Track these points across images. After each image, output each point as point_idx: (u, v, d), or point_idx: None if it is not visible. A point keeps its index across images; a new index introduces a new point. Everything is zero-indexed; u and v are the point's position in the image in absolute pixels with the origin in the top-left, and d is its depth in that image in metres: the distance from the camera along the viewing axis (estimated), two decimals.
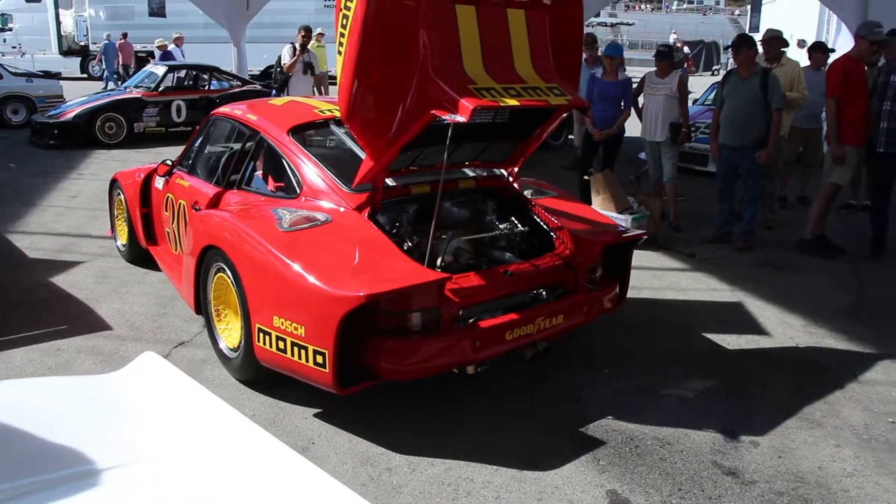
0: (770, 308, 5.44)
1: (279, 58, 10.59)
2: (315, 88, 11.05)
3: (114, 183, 6.24)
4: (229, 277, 3.90)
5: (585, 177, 7.30)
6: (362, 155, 3.92)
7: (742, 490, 3.22)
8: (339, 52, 3.48)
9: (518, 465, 3.33)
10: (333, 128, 4.63)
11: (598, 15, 33.79)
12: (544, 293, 4.01)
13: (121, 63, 21.70)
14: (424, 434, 3.58)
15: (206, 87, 13.33)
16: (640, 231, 4.94)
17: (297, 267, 3.44)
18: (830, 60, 7.91)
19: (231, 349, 4.05)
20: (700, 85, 15.32)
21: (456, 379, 3.79)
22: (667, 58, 7.56)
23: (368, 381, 3.51)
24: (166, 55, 16.79)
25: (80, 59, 27.02)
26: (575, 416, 3.81)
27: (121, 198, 6.06)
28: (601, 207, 6.48)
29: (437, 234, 3.89)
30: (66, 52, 27.12)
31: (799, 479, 3.31)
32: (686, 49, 32.49)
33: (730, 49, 7.22)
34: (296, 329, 3.40)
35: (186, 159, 5.39)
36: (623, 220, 6.22)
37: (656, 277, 6.08)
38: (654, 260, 6.57)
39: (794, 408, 3.94)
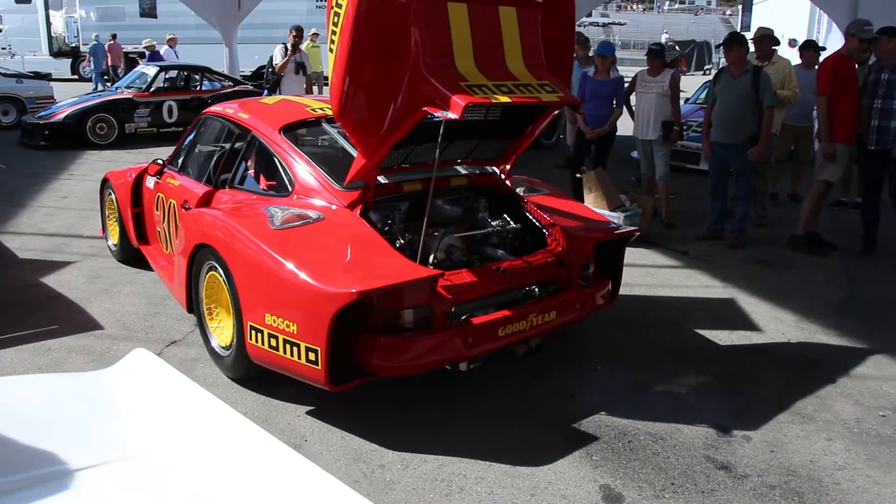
0: (762, 304, 5.46)
1: (271, 58, 10.58)
2: (307, 88, 11.03)
3: (105, 183, 6.22)
4: (221, 276, 3.89)
5: (578, 175, 7.31)
6: (354, 153, 3.92)
7: (735, 484, 3.23)
8: (331, 50, 3.48)
9: (511, 460, 3.33)
10: (325, 126, 4.62)
11: (589, 15, 33.91)
12: (537, 290, 4.01)
13: (109, 64, 21.58)
14: (417, 430, 3.58)
15: (198, 88, 13.28)
16: (633, 228, 4.96)
17: (289, 264, 3.44)
18: (821, 59, 7.94)
19: (223, 347, 4.04)
20: (692, 84, 15.37)
21: (448, 376, 3.79)
22: (659, 56, 7.58)
23: (361, 378, 3.51)
24: (154, 55, 16.73)
25: (70, 60, 26.86)
26: (568, 411, 3.82)
27: (112, 197, 6.04)
28: (593, 205, 6.50)
29: (430, 232, 3.90)
30: (57, 53, 26.94)
31: (791, 473, 3.33)
32: (676, 48, 32.55)
33: (721, 47, 7.24)
34: (288, 326, 3.39)
35: (177, 158, 5.37)
36: (615, 218, 6.24)
37: (649, 275, 6.09)
38: (647, 257, 6.58)
39: (786, 402, 3.96)
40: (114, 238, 6.15)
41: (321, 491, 1.60)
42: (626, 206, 6.89)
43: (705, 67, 38.40)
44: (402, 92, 3.52)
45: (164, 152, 5.65)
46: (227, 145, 4.82)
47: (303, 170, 4.16)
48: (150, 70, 13.14)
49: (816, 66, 7.65)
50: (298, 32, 10.39)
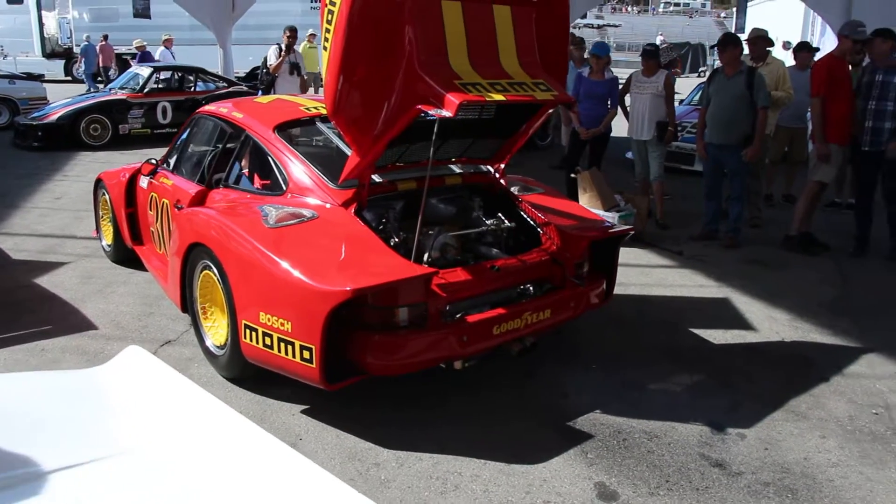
0: (756, 304, 5.47)
1: (265, 59, 10.56)
2: (302, 89, 11.01)
3: (98, 183, 6.20)
4: (215, 275, 3.88)
5: (572, 175, 7.32)
6: (348, 151, 3.92)
7: (729, 481, 3.24)
8: (325, 48, 3.49)
9: (506, 458, 3.33)
10: (319, 125, 4.62)
11: (584, 16, 33.91)
12: (531, 288, 4.02)
13: (101, 65, 21.49)
14: (412, 429, 3.58)
15: (192, 89, 13.25)
16: (627, 227, 4.97)
17: (283, 263, 3.43)
18: (815, 60, 7.97)
19: (218, 347, 4.03)
20: (686, 86, 15.39)
21: (443, 374, 3.79)
22: (653, 57, 7.59)
23: (356, 376, 3.50)
24: (145, 56, 16.68)
25: (63, 61, 26.76)
26: (562, 410, 3.82)
27: (106, 198, 6.02)
28: (588, 205, 6.50)
29: (424, 230, 3.89)
30: (50, 54, 26.82)
31: (785, 470, 3.33)
32: (673, 51, 32.59)
33: (716, 48, 7.26)
34: (282, 325, 3.39)
35: (171, 158, 5.36)
36: (610, 218, 6.24)
37: (643, 274, 6.11)
38: (642, 257, 6.59)
39: (780, 401, 3.97)
40: (108, 238, 6.13)
41: (316, 486, 1.60)
42: (620, 206, 6.90)
43: (700, 69, 38.49)
44: (397, 90, 3.52)
45: (159, 153, 5.64)
46: (221, 145, 4.81)
47: (297, 169, 4.16)
48: (144, 71, 13.10)
49: (810, 68, 7.68)
50: (292, 33, 10.37)
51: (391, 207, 4.13)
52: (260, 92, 10.72)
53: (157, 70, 13.16)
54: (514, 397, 3.95)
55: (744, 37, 7.99)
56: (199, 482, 1.62)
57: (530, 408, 3.85)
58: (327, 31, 3.42)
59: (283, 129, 4.48)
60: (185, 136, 5.42)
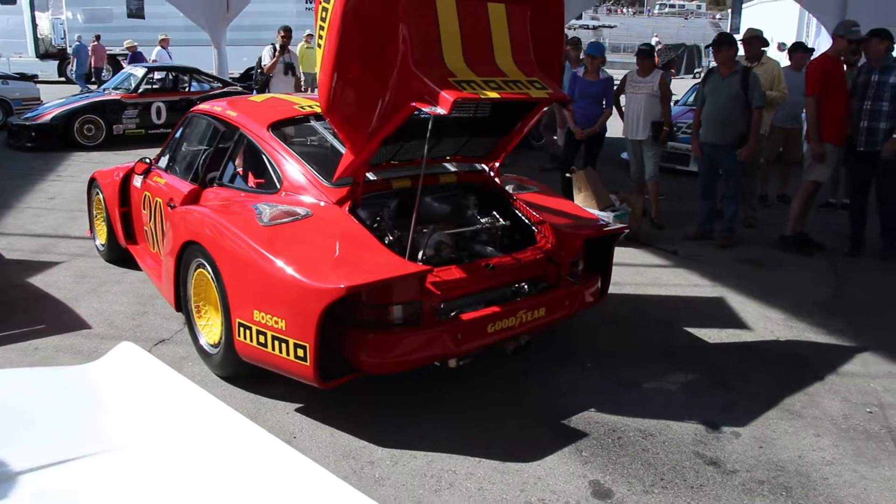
0: (751, 303, 5.48)
1: (259, 59, 10.54)
2: (297, 89, 11.00)
3: (92, 182, 6.18)
4: (209, 273, 3.87)
5: (567, 174, 7.32)
6: (343, 150, 3.91)
7: (723, 479, 3.24)
8: (319, 45, 3.48)
9: (501, 456, 3.32)
10: (314, 123, 4.61)
11: (579, 17, 34.00)
12: (526, 287, 4.01)
13: (93, 66, 21.38)
14: (406, 427, 3.57)
15: (187, 89, 13.20)
16: (622, 225, 4.97)
17: (277, 261, 3.42)
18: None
19: (212, 345, 4.02)
20: (681, 87, 15.42)
21: (438, 372, 3.78)
22: (648, 57, 7.60)
23: (350, 374, 3.49)
24: (136, 57, 16.63)
25: (57, 62, 26.65)
26: (557, 408, 3.82)
27: (99, 197, 6.00)
28: (583, 205, 6.50)
29: (419, 229, 3.89)
30: (44, 55, 26.71)
31: (779, 468, 3.33)
32: (672, 51, 32.60)
33: (711, 48, 7.27)
34: (276, 323, 3.37)
35: (165, 157, 5.35)
36: (605, 217, 6.24)
37: (638, 274, 6.11)
38: (637, 257, 6.59)
39: (774, 399, 3.97)
40: (101, 238, 6.10)
41: (310, 481, 1.59)
42: (615, 206, 6.90)
43: (695, 71, 38.53)
44: (391, 87, 3.51)
45: (153, 154, 5.62)
46: (215, 143, 4.80)
47: (291, 167, 4.15)
48: (138, 71, 13.06)
49: (805, 68, 7.69)
50: (287, 33, 10.34)
51: (386, 205, 4.12)
52: (255, 92, 10.70)
53: (151, 70, 13.13)
54: (508, 395, 3.95)
55: (739, 37, 8.00)
56: (192, 477, 1.62)
57: (525, 406, 3.84)
58: (321, 28, 3.41)
59: (277, 127, 4.46)
60: (178, 134, 5.40)
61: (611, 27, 51.79)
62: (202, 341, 4.10)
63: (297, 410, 3.71)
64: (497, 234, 4.35)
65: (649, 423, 3.68)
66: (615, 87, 7.91)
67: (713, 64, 7.21)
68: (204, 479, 1.61)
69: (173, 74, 13.33)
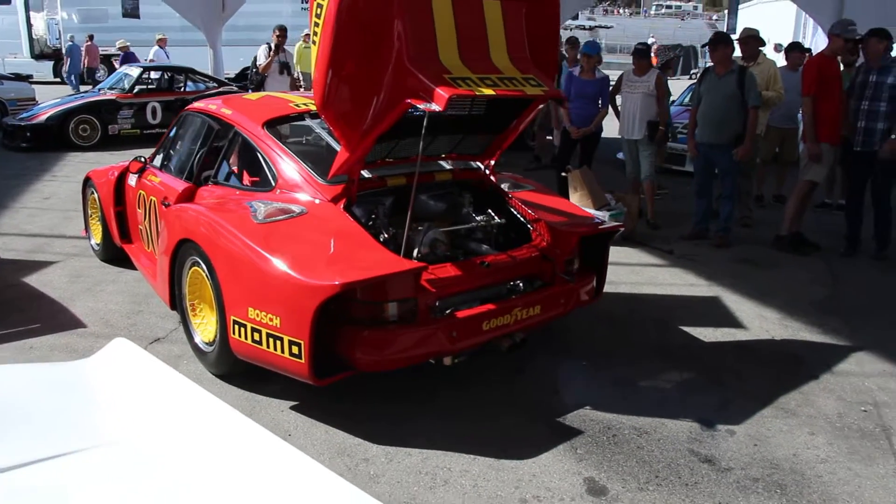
0: (746, 302, 5.48)
1: (255, 58, 10.53)
2: (292, 89, 10.99)
3: (87, 181, 6.16)
4: (204, 271, 3.86)
5: (563, 173, 7.32)
6: (338, 147, 3.90)
7: (718, 477, 3.24)
8: (314, 42, 3.48)
9: (495, 453, 3.32)
10: (309, 121, 4.60)
11: (576, 17, 34.01)
12: (521, 284, 4.01)
13: (87, 66, 21.30)
14: (401, 424, 3.57)
15: (182, 89, 13.19)
16: (617, 223, 4.96)
17: (271, 258, 3.42)
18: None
19: (207, 343, 4.01)
20: (677, 88, 15.44)
21: (432, 370, 3.78)
22: (645, 56, 7.61)
23: (345, 371, 3.49)
24: (128, 57, 16.59)
25: (52, 62, 26.57)
26: (552, 406, 3.81)
27: (94, 196, 5.99)
28: (579, 204, 6.49)
29: (414, 226, 3.88)
30: (39, 55, 26.63)
31: (774, 466, 3.33)
32: (670, 51, 32.58)
33: (707, 47, 7.27)
34: (271, 320, 3.37)
35: (159, 156, 5.34)
36: (601, 216, 6.24)
37: (634, 273, 6.11)
38: (632, 256, 6.60)
39: (769, 398, 3.97)
40: (97, 237, 6.09)
41: (305, 477, 1.58)
42: (611, 206, 6.90)
43: (692, 72, 38.58)
44: (386, 84, 3.51)
45: (148, 154, 5.61)
46: (210, 141, 4.79)
47: (286, 164, 4.14)
48: (134, 71, 13.04)
49: (801, 68, 7.70)
50: (282, 32, 10.33)
51: (380, 203, 4.12)
52: (250, 91, 10.68)
53: (146, 70, 13.11)
54: (503, 393, 3.95)
55: (735, 37, 8.01)
56: (187, 473, 1.61)
57: (520, 403, 3.84)
58: (316, 25, 3.41)
59: (272, 125, 4.46)
60: (173, 133, 5.39)
61: (607, 28, 51.82)
62: (197, 339, 4.09)
63: (292, 408, 3.70)
64: (492, 232, 4.35)
65: (644, 420, 3.68)
66: (611, 87, 7.91)
67: (710, 64, 7.22)
68: (199, 475, 1.60)
69: (168, 74, 13.30)
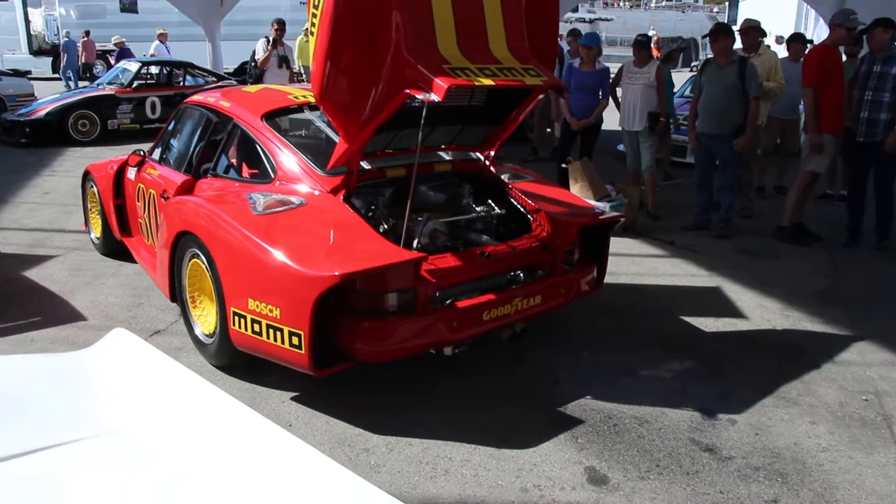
0: (748, 293, 5.47)
1: (253, 52, 10.50)
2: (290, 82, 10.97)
3: (86, 175, 6.15)
4: (204, 263, 3.85)
5: (563, 165, 7.31)
6: (337, 138, 3.89)
7: (719, 465, 3.24)
8: (312, 33, 3.46)
9: (496, 443, 3.32)
10: (308, 113, 4.59)
11: (576, 10, 33.86)
12: (521, 275, 4.00)
13: (83, 62, 21.26)
14: (402, 414, 3.57)
15: (181, 83, 13.17)
16: (617, 213, 4.95)
17: (271, 249, 3.41)
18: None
19: (207, 335, 4.01)
20: (678, 80, 15.40)
21: (433, 360, 3.77)
22: (645, 47, 7.58)
23: (345, 362, 3.48)
24: (123, 53, 16.55)
25: (51, 58, 26.53)
26: (553, 395, 3.81)
27: (94, 190, 5.98)
28: (579, 195, 6.49)
29: (413, 217, 3.87)
30: (37, 51, 26.62)
31: (775, 455, 3.33)
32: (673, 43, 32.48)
33: (707, 38, 7.24)
34: (271, 311, 3.36)
35: (158, 149, 5.33)
36: (601, 207, 6.23)
37: (635, 264, 6.10)
38: (633, 247, 6.59)
39: (770, 387, 3.97)
40: (96, 231, 6.09)
41: (307, 466, 1.58)
42: (612, 197, 6.89)
43: (692, 64, 38.49)
44: (384, 75, 3.49)
45: (147, 148, 5.60)
46: (208, 134, 4.78)
47: (285, 156, 4.13)
48: (133, 66, 13.01)
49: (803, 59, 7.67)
50: (280, 26, 10.30)
51: (380, 194, 4.11)
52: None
53: (145, 65, 13.08)
54: (504, 383, 3.95)
55: (736, 28, 7.98)
56: (187, 462, 1.60)
57: (521, 393, 3.84)
58: (314, 16, 3.39)
59: (270, 117, 4.44)
60: (172, 126, 5.38)
61: (607, 20, 51.60)
62: (197, 331, 4.09)
63: (293, 399, 3.70)
64: (492, 223, 4.34)
65: (645, 410, 3.68)
66: (611, 79, 7.89)
67: (711, 55, 7.19)
68: (199, 464, 1.59)
69: (167, 69, 13.28)
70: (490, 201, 4.35)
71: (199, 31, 15.43)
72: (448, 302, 3.60)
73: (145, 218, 5.09)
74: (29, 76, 18.36)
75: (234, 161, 4.73)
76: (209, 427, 1.73)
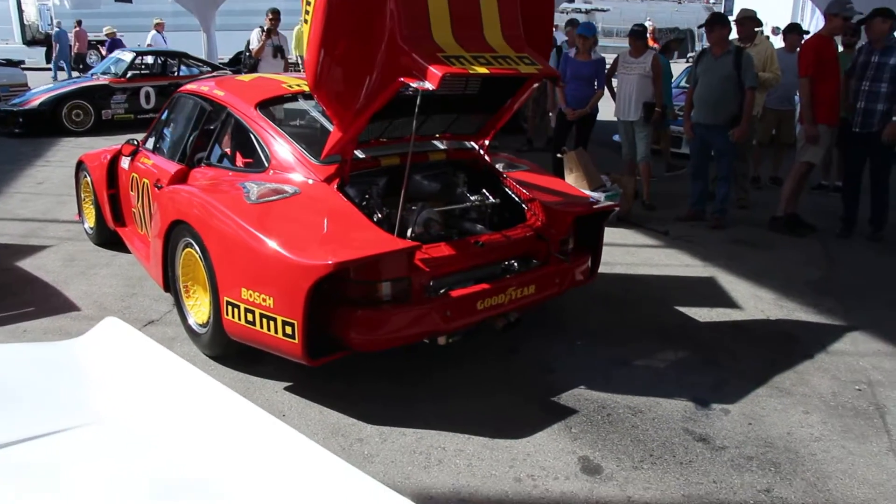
0: (742, 283, 5.48)
1: (248, 42, 10.45)
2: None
3: (80, 165, 6.13)
4: (197, 252, 3.84)
5: (559, 155, 7.30)
6: (331, 128, 3.87)
7: (713, 455, 3.24)
8: (306, 21, 3.44)
9: (490, 433, 3.32)
10: (302, 102, 4.57)
11: (572, 1, 33.77)
12: (516, 264, 3.99)
13: (75, 52, 21.13)
14: (395, 404, 3.56)
15: (176, 73, 13.11)
16: (612, 203, 4.95)
17: (264, 238, 3.39)
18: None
19: (200, 325, 4.00)
20: (674, 71, 15.39)
21: (427, 349, 3.77)
22: (641, 37, 7.56)
23: (339, 352, 3.48)
24: (115, 43, 16.47)
25: (45, 48, 26.36)
26: (547, 385, 3.81)
27: (87, 180, 5.95)
28: (574, 185, 6.48)
29: (408, 206, 3.86)
30: (31, 41, 26.46)
31: (768, 445, 3.34)
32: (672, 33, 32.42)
33: (703, 28, 7.23)
34: (264, 300, 3.35)
35: (152, 138, 5.30)
36: (596, 197, 6.22)
37: (629, 254, 6.10)
38: (628, 237, 6.58)
39: (764, 377, 3.97)
40: (90, 221, 6.06)
41: (300, 455, 1.57)
42: (606, 187, 6.89)
43: (689, 55, 38.46)
44: (379, 63, 3.48)
45: (141, 138, 5.58)
46: (202, 123, 4.75)
47: (279, 145, 4.11)
48: (127, 56, 12.94)
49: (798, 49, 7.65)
50: (275, 15, 10.23)
51: (374, 183, 4.10)
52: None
53: (139, 55, 13.01)
54: (498, 372, 3.95)
55: (732, 18, 7.96)
56: (179, 451, 1.60)
57: (515, 383, 3.84)
58: (308, 3, 3.37)
59: (264, 106, 4.42)
60: (165, 115, 5.36)
61: (603, 11, 51.46)
62: (191, 321, 4.08)
63: (286, 389, 3.70)
64: (487, 212, 4.33)
65: (639, 400, 3.68)
66: (607, 69, 7.87)
67: (706, 45, 7.18)
68: (192, 453, 1.59)
69: (162, 59, 13.21)
70: (484, 191, 4.34)
71: (194, 20, 15.36)
72: (442, 291, 3.59)
73: (139, 207, 5.07)
74: (22, 66, 18.26)
75: (227, 150, 4.72)
76: (202, 417, 1.73)
